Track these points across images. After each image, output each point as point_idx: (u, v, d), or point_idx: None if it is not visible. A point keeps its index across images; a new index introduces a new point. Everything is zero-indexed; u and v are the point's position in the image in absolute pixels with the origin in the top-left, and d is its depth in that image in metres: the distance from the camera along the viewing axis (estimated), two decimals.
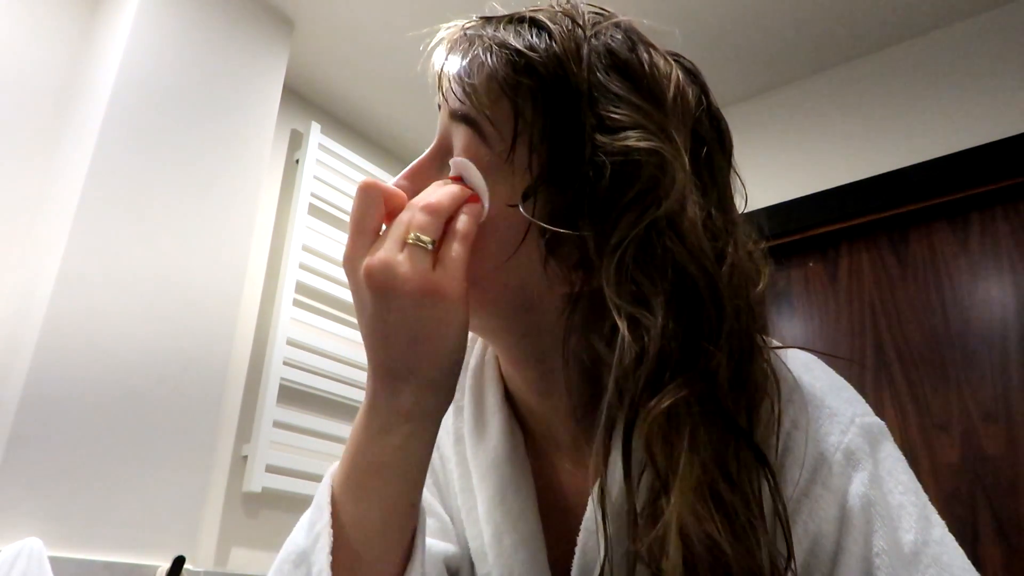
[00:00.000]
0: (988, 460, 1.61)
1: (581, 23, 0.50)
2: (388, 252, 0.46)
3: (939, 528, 0.48)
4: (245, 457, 1.85)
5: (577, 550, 0.52)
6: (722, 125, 0.55)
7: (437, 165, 0.53)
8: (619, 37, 0.51)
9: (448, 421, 0.62)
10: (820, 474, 0.48)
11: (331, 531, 0.46)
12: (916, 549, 0.46)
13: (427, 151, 0.54)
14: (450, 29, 0.54)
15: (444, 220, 0.48)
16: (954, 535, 0.48)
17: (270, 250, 2.06)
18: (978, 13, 1.86)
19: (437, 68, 0.53)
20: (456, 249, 0.47)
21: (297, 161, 2.18)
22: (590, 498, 0.51)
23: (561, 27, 0.50)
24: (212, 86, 1.79)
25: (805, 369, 0.53)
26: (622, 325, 0.45)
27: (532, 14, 0.51)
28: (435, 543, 0.59)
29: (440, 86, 0.53)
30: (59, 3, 1.76)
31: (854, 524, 0.46)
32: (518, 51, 0.48)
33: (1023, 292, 1.68)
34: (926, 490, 0.49)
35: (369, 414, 0.48)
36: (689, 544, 0.43)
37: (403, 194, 0.51)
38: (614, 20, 0.52)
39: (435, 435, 0.50)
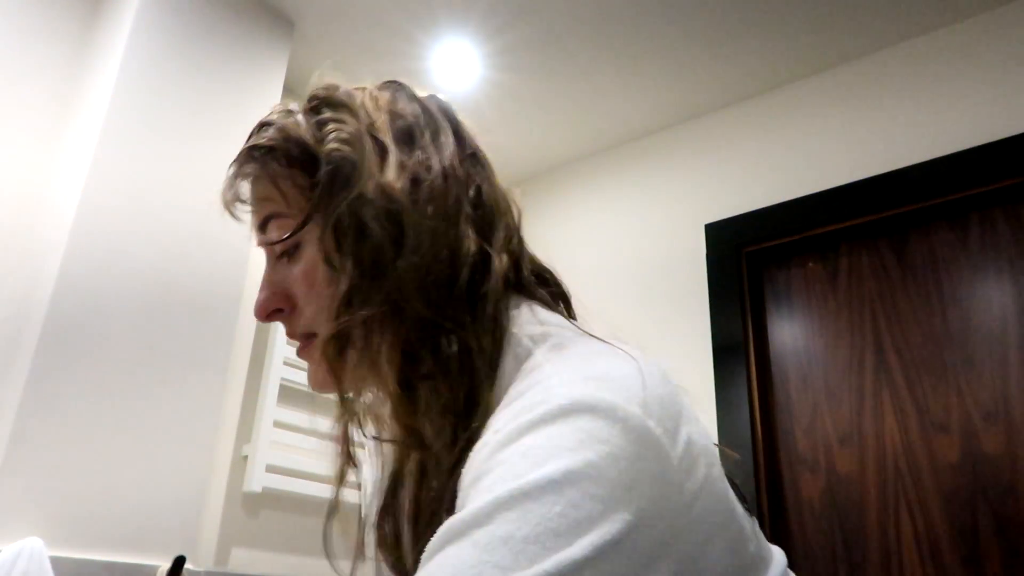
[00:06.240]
0: (988, 460, 1.61)
1: (297, 107, 0.66)
2: None
3: (465, 549, 0.39)
4: (245, 457, 1.85)
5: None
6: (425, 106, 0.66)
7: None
8: (322, 94, 0.66)
9: None
10: (490, 442, 0.45)
11: None
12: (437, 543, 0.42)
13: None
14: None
15: None
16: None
17: None
18: (978, 13, 1.86)
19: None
20: None
21: None
22: None
23: (279, 114, 0.64)
24: (212, 86, 1.79)
25: (567, 344, 0.52)
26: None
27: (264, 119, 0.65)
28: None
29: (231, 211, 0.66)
30: (59, 3, 1.76)
31: (468, 495, 0.44)
32: (254, 147, 0.62)
33: (1023, 292, 1.68)
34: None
35: None
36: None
37: None
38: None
39: None
